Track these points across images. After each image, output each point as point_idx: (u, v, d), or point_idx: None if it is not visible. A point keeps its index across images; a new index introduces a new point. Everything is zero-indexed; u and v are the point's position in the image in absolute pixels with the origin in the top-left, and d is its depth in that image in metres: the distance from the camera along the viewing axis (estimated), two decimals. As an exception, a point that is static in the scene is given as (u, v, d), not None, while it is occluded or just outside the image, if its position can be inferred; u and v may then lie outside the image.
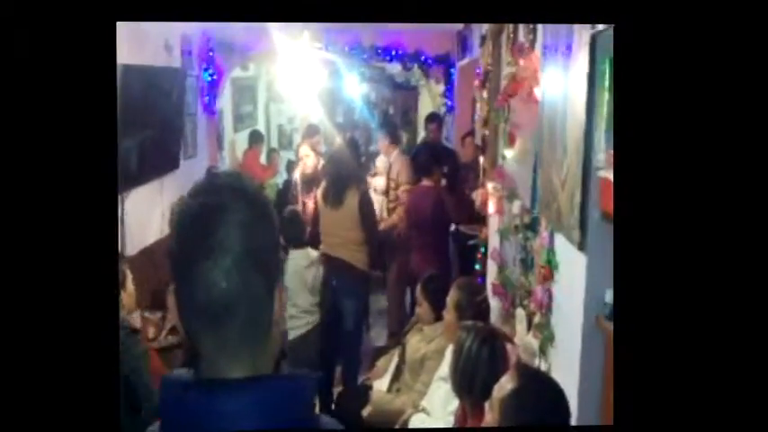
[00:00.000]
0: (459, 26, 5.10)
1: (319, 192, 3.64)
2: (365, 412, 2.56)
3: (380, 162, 4.73)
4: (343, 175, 3.47)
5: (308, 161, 4.09)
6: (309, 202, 4.10)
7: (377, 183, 4.64)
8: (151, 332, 3.17)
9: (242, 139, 6.36)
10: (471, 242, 3.71)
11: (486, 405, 1.65)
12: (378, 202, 4.27)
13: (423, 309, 2.70)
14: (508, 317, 2.64)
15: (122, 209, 3.55)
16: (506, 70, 3.06)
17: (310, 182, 4.13)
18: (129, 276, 2.45)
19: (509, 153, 2.83)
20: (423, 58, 5.66)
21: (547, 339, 2.05)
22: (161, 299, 3.59)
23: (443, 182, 4.13)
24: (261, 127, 7.05)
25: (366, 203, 3.49)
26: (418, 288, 2.76)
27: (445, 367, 2.25)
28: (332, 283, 3.48)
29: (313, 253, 3.50)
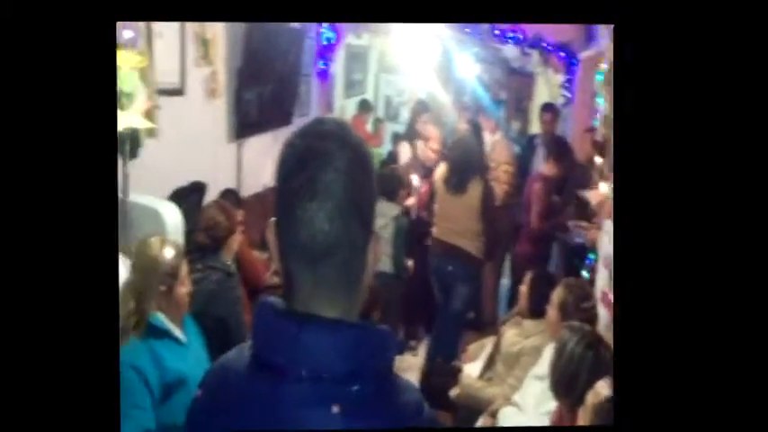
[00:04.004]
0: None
1: (438, 175, 3.52)
2: (453, 393, 2.55)
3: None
4: (469, 163, 3.36)
5: (435, 145, 4.04)
6: (417, 181, 4.07)
7: None
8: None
9: (351, 106, 6.43)
10: (578, 240, 3.56)
11: (580, 411, 1.58)
12: None
13: (525, 303, 2.64)
14: (614, 327, 2.52)
15: (240, 153, 3.71)
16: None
17: (426, 166, 4.08)
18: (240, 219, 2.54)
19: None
20: (543, 44, 5.43)
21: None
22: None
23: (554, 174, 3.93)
24: (369, 96, 7.09)
25: (489, 194, 3.39)
26: (525, 282, 2.69)
27: (542, 366, 2.19)
28: (447, 269, 3.45)
29: (391, 212, 3.55)
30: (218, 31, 3.57)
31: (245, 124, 3.91)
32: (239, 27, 3.67)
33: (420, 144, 4.13)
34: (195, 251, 2.39)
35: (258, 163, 4.02)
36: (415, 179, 4.15)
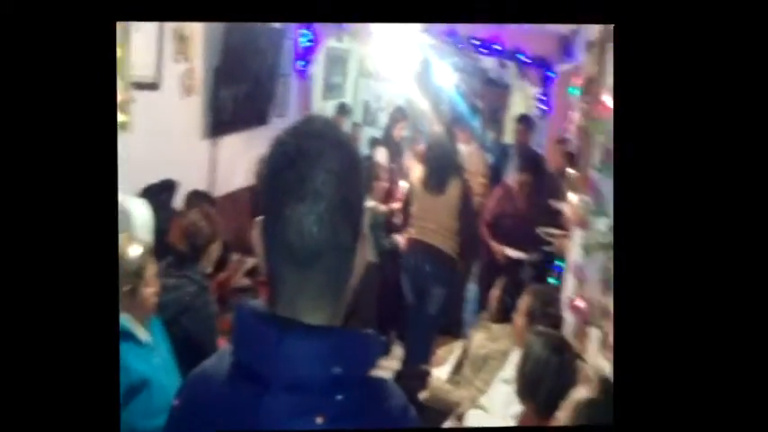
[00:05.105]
0: (563, 29, 4.91)
1: (416, 175, 3.55)
2: (422, 396, 2.56)
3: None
4: (447, 163, 3.42)
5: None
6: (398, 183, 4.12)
7: None
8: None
9: (329, 108, 6.42)
10: (546, 248, 3.61)
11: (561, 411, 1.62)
12: None
13: (494, 308, 2.67)
14: (581, 335, 2.56)
15: (214, 152, 3.69)
16: (612, 80, 2.94)
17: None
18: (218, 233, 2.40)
19: (604, 167, 2.72)
20: (520, 56, 5.50)
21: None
22: (241, 242, 3.70)
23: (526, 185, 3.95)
24: (348, 100, 7.10)
25: (468, 193, 3.44)
26: (495, 287, 2.72)
27: (509, 370, 2.22)
28: (425, 269, 3.47)
29: (367, 203, 3.57)
30: (196, 28, 3.53)
31: (221, 122, 3.87)
32: (218, 25, 3.64)
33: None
34: (172, 256, 2.27)
35: (232, 162, 3.99)
36: (402, 184, 4.18)
